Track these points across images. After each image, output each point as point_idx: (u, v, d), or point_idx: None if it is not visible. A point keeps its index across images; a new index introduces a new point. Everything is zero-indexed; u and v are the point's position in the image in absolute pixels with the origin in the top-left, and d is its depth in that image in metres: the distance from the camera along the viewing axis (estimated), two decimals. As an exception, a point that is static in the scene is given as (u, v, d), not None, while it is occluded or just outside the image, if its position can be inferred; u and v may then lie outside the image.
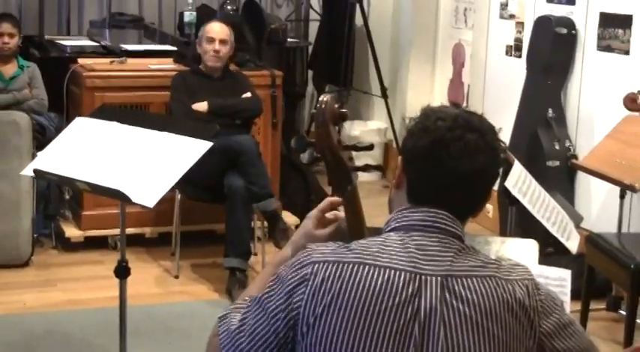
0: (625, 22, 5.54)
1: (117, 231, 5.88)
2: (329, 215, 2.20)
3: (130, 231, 5.98)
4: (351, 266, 1.87)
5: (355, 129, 7.41)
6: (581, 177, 5.86)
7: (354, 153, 2.18)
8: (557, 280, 2.94)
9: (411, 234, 1.93)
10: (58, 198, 6.02)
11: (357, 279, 1.85)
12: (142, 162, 3.42)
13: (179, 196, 5.67)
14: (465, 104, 7.23)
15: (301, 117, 7.99)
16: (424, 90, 7.67)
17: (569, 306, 2.88)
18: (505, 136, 6.21)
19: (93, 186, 3.40)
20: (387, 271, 1.86)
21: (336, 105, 2.17)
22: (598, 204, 5.80)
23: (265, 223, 5.68)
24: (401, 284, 1.84)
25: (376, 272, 1.85)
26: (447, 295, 1.85)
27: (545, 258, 4.26)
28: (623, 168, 4.89)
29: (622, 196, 5.17)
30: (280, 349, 1.89)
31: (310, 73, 7.99)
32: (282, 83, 6.51)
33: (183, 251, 5.76)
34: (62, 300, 5.22)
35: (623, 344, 4.72)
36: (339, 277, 1.86)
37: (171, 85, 5.77)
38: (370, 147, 2.24)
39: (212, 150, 5.23)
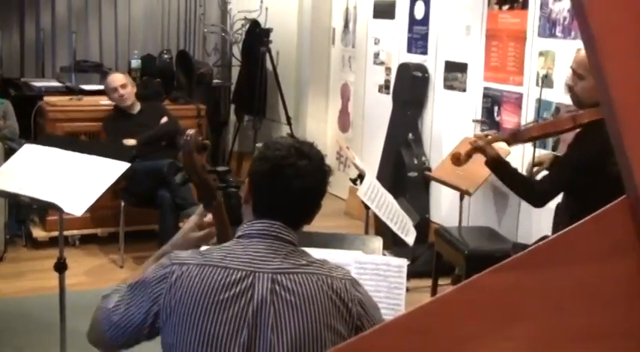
0: (462, 68, 5.58)
1: (76, 232, 5.81)
2: (206, 219, 2.16)
3: (86, 231, 5.89)
4: (198, 267, 1.83)
5: (267, 150, 7.32)
6: (434, 185, 5.88)
7: None
8: (397, 267, 2.89)
9: (251, 241, 1.89)
10: (27, 205, 5.84)
11: (202, 277, 1.81)
12: (73, 180, 3.30)
13: (123, 204, 5.54)
14: (349, 130, 7.23)
15: (226, 141, 7.90)
16: (320, 119, 7.65)
17: (404, 286, 2.83)
18: (377, 154, 6.25)
19: (33, 199, 3.28)
20: (227, 270, 1.82)
21: (200, 138, 2.11)
22: (446, 205, 5.81)
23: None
24: (237, 279, 1.81)
25: (217, 271, 1.82)
26: (277, 287, 1.81)
27: (406, 246, 4.26)
28: (461, 178, 4.93)
29: (461, 199, 5.20)
30: (140, 329, 1.86)
31: (233, 106, 7.92)
32: (207, 114, 6.43)
33: (127, 246, 5.63)
34: (30, 288, 5.07)
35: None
36: (188, 276, 1.82)
37: (103, 128, 5.68)
38: (228, 172, 2.19)
39: (146, 170, 5.20)
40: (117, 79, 5.66)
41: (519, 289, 0.93)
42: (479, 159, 3.77)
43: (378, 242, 3.10)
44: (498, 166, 3.53)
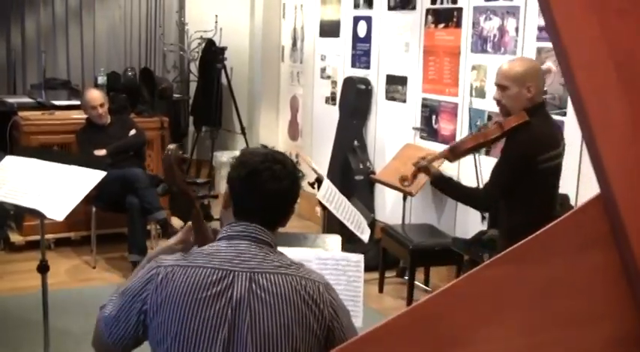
0: (403, 81, 5.60)
1: (50, 236, 5.66)
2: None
3: (60, 235, 5.75)
4: (182, 268, 1.79)
5: (224, 158, 7.25)
6: (378, 187, 5.88)
7: None
8: (355, 262, 2.88)
9: (231, 242, 1.84)
10: (5, 212, 5.66)
11: (185, 277, 1.77)
12: (54, 188, 3.20)
13: (94, 209, 5.42)
14: (299, 138, 7.20)
15: (185, 150, 7.78)
16: (271, 128, 7.60)
17: (362, 279, 2.81)
18: (326, 160, 6.23)
19: (17, 206, 3.17)
20: (208, 270, 1.78)
21: (180, 152, 2.07)
22: (390, 205, 5.83)
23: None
24: (217, 278, 1.76)
25: (199, 271, 1.78)
26: (254, 286, 1.77)
27: (356, 243, 4.25)
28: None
29: (404, 199, 5.21)
30: (136, 328, 1.81)
31: (191, 118, 7.82)
32: (169, 126, 6.33)
33: (99, 248, 5.53)
34: (7, 288, 4.93)
35: (406, 299, 4.78)
36: (172, 276, 1.78)
37: (76, 139, 5.55)
38: (207, 183, 2.15)
39: (116, 178, 5.09)
40: (96, 97, 5.52)
41: (510, 280, 0.93)
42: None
43: (337, 240, 3.08)
44: (442, 182, 3.50)
